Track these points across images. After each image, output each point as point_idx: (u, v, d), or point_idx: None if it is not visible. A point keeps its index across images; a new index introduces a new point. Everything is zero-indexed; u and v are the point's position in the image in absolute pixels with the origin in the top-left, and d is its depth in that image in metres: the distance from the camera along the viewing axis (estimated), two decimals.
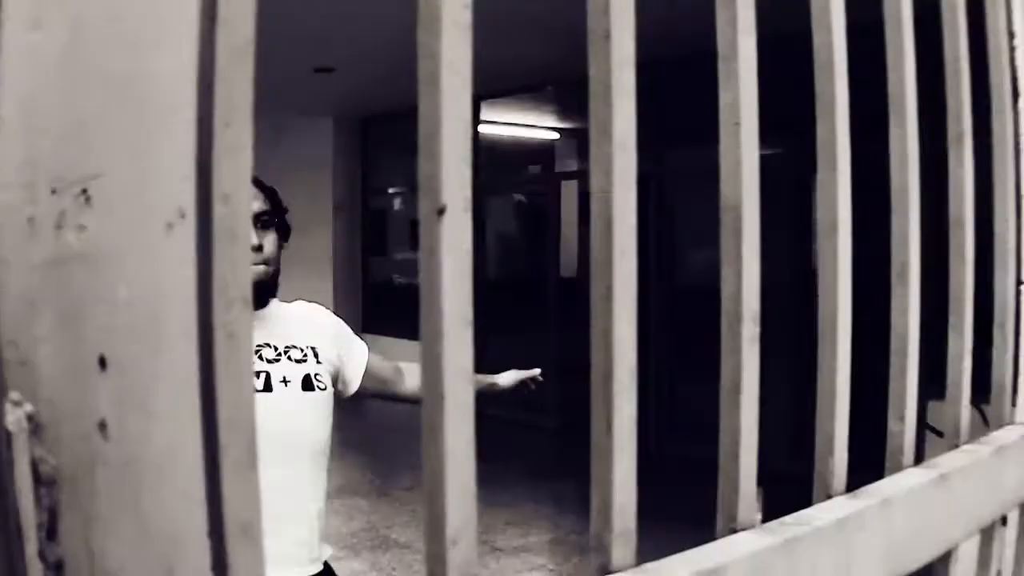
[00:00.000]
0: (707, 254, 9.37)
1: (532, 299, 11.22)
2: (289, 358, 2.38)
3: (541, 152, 11.70)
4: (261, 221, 2.38)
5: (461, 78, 0.67)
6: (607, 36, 0.82)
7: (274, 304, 2.48)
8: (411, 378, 2.76)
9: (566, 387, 9.90)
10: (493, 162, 11.73)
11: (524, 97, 11.05)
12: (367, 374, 2.64)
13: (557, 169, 11.50)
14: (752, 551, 0.88)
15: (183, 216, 0.53)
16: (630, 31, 0.83)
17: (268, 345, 2.36)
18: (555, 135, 11.66)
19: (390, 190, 13.13)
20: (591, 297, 0.82)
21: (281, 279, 2.50)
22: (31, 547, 0.50)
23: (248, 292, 0.56)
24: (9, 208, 0.50)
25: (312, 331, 2.53)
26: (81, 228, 0.50)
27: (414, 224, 13.23)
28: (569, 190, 11.16)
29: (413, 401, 2.64)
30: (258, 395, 2.14)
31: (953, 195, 1.39)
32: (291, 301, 2.62)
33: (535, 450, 10.01)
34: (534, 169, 11.95)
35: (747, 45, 1.02)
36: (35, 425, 0.49)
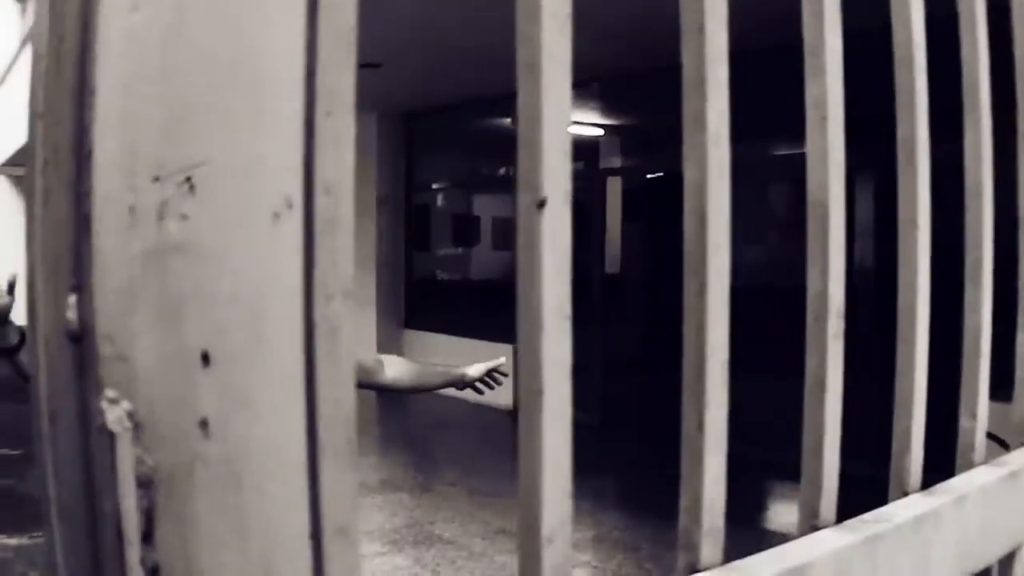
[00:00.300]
0: (754, 252, 9.32)
1: (576, 296, 11.15)
2: None
3: (585, 149, 11.66)
4: None
5: (562, 68, 0.65)
6: (701, 30, 0.80)
7: None
8: (390, 369, 3.07)
9: (608, 384, 9.89)
10: None
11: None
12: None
13: (602, 166, 11.44)
14: (834, 549, 0.87)
15: (290, 206, 0.50)
16: (723, 24, 0.81)
17: None
18: (600, 131, 11.61)
19: (433, 186, 13.12)
20: (684, 292, 0.80)
21: None
22: (133, 553, 0.48)
23: (349, 286, 0.54)
24: (109, 196, 0.47)
25: None
26: (184, 218, 0.48)
27: (456, 220, 13.21)
28: (613, 186, 11.11)
29: (392, 390, 3.13)
30: None
31: (1022, 193, 1.36)
32: None
33: (576, 447, 9.96)
34: (578, 165, 11.94)
35: (834, 38, 0.99)
36: (134, 424, 0.47)
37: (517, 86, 0.65)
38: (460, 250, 12.86)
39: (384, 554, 5.92)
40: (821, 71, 0.99)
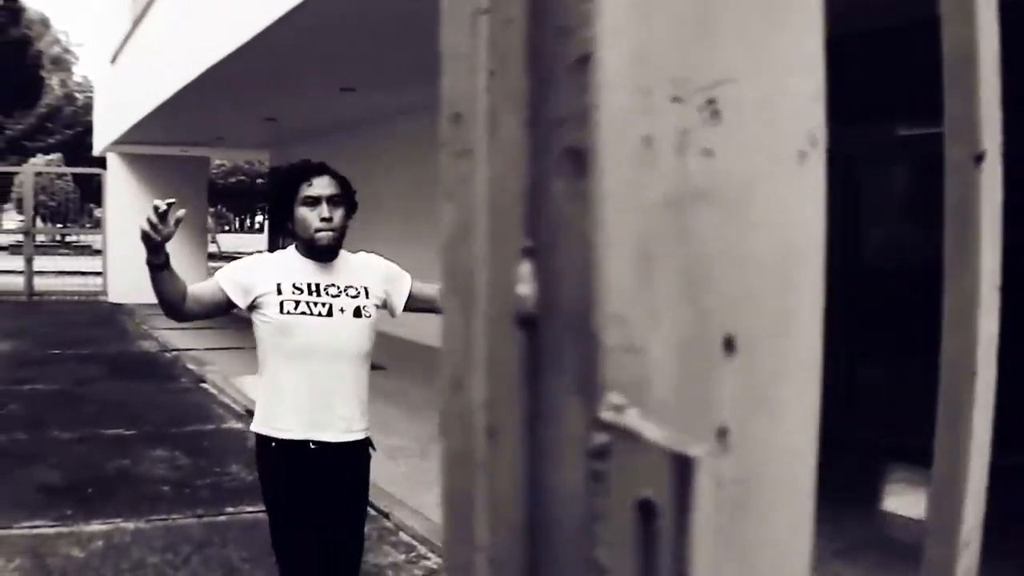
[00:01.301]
0: (887, 233, 8.95)
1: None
2: (347, 294, 3.32)
3: None
4: (333, 201, 3.32)
5: (992, 9, 0.52)
6: None
7: (341, 256, 3.40)
8: None
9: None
10: None
11: None
12: (411, 298, 3.51)
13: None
14: None
15: (814, 144, 0.37)
16: None
17: (334, 285, 3.31)
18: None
19: None
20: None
21: (346, 240, 3.49)
22: None
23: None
24: (618, 118, 0.34)
25: (367, 275, 3.42)
26: (707, 153, 0.35)
27: None
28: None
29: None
30: (322, 319, 3.22)
31: None
32: (356, 253, 3.51)
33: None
34: None
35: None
36: (640, 441, 0.34)
37: (943, 25, 0.52)
38: None
39: None
40: None
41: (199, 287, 3.35)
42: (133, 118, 16.69)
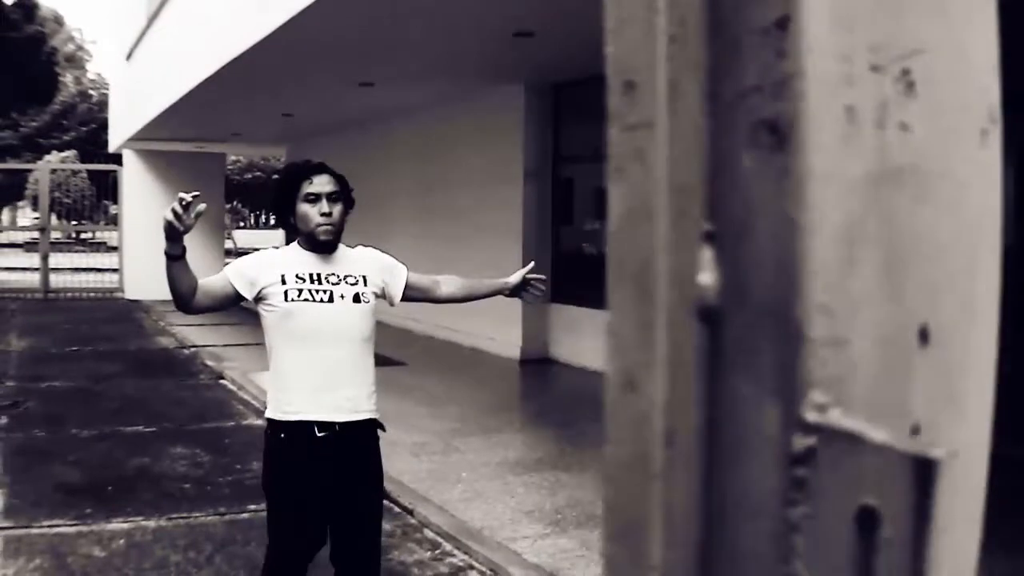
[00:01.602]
0: None
1: None
2: (346, 282, 3.59)
3: None
4: (332, 197, 3.62)
5: None
6: None
7: (340, 249, 3.70)
8: (446, 287, 4.00)
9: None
10: None
11: None
12: (408, 287, 3.83)
13: None
14: None
15: (994, 121, 0.34)
16: None
17: (334, 274, 3.60)
18: None
19: (579, 159, 12.79)
20: None
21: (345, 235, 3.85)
22: None
23: None
24: (823, 87, 0.30)
25: (364, 265, 3.72)
26: (904, 128, 0.32)
27: (601, 193, 12.98)
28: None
29: (450, 299, 4.06)
30: (324, 304, 3.50)
31: None
32: (353, 247, 3.81)
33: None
34: None
35: None
36: (851, 442, 0.31)
37: None
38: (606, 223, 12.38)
39: (547, 536, 5.72)
40: None
41: (209, 281, 3.59)
42: (149, 114, 16.69)
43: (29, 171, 31.10)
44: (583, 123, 12.39)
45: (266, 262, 3.64)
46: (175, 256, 3.40)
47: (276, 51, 10.10)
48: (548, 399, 10.52)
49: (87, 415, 8.97)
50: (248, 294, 3.54)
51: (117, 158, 22.51)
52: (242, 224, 65.68)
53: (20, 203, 43.57)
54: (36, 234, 24.23)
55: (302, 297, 3.49)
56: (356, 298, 3.60)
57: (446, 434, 8.26)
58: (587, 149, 12.27)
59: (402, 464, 7.14)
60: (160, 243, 3.39)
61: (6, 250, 30.74)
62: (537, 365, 12.41)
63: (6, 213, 47.26)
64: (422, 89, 13.03)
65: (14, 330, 15.20)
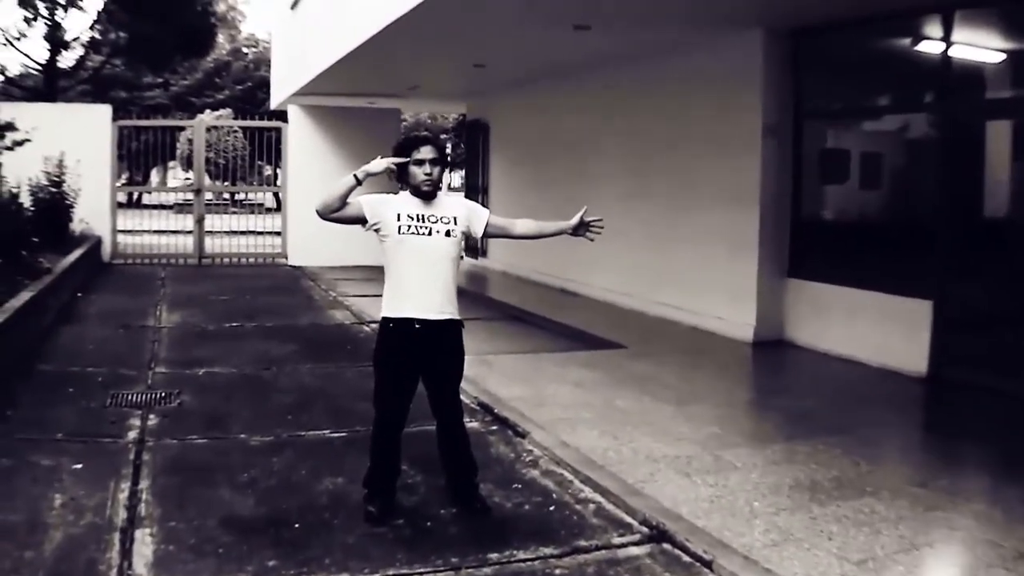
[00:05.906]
0: None
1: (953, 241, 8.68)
2: (442, 221, 5.07)
3: (970, 77, 9.05)
4: (433, 162, 5.04)
5: None
6: None
7: (439, 197, 5.13)
8: (521, 226, 5.40)
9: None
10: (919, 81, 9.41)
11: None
12: (489, 225, 5.27)
13: (988, 96, 8.95)
14: None
15: None
16: None
17: (432, 215, 5.05)
18: (992, 58, 8.98)
19: (825, 114, 10.77)
20: None
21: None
22: None
23: None
24: None
25: (455, 210, 5.18)
26: None
27: (849, 154, 11.08)
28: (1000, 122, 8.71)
29: (523, 236, 5.48)
30: (424, 237, 5.00)
31: None
32: (450, 196, 6.13)
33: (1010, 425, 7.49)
34: (960, 96, 9.29)
35: None
36: None
37: None
38: (856, 190, 10.41)
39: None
40: None
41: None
42: (318, 67, 15.32)
43: (182, 128, 30.06)
44: (830, 74, 10.48)
45: (388, 203, 5.06)
46: (359, 182, 4.97)
47: None
48: (807, 393, 8.36)
49: (256, 413, 7.28)
50: (370, 219, 5.00)
51: (276, 116, 21.27)
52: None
53: (171, 163, 42.93)
54: (188, 195, 23.11)
55: (410, 231, 4.99)
56: (447, 233, 5.07)
57: (710, 443, 6.59)
58: (834, 103, 10.41)
59: (674, 489, 5.58)
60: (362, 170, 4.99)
61: (155, 212, 29.73)
62: (773, 349, 10.69)
63: (155, 174, 46.77)
64: (644, 34, 11.33)
65: (164, 301, 13.56)
